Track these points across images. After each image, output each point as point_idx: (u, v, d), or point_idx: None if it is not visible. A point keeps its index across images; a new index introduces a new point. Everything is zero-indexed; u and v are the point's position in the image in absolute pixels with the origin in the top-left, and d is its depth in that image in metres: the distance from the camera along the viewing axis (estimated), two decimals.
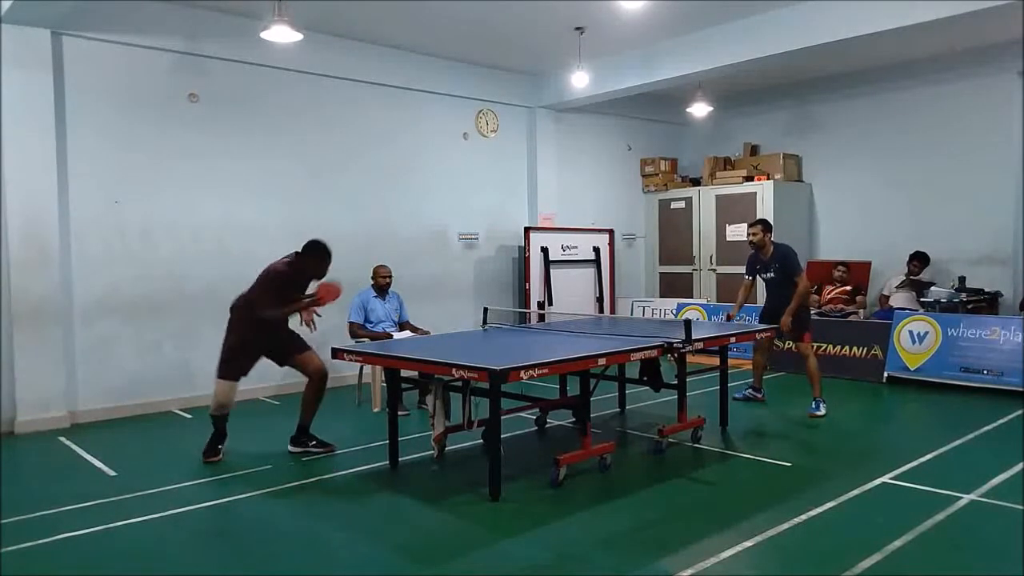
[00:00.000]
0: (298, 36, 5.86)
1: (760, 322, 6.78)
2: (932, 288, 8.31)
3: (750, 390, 6.98)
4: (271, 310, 5.11)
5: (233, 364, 5.19)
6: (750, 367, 7.83)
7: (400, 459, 5.05)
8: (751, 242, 6.64)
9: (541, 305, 9.24)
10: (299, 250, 5.31)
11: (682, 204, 10.82)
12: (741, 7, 7.27)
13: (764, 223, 6.68)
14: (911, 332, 7.63)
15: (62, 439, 5.92)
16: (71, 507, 4.28)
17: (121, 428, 6.35)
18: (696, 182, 10.96)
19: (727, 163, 10.76)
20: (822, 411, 6.30)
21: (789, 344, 7.92)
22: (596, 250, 10.01)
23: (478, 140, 9.38)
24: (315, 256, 5.29)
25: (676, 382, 5.55)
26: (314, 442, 5.40)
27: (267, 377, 7.48)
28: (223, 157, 7.28)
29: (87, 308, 6.56)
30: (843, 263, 9.20)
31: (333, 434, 5.91)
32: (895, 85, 9.55)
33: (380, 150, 8.41)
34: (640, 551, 3.57)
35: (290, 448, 5.39)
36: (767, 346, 6.95)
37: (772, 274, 6.61)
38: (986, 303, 8.43)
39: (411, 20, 7.40)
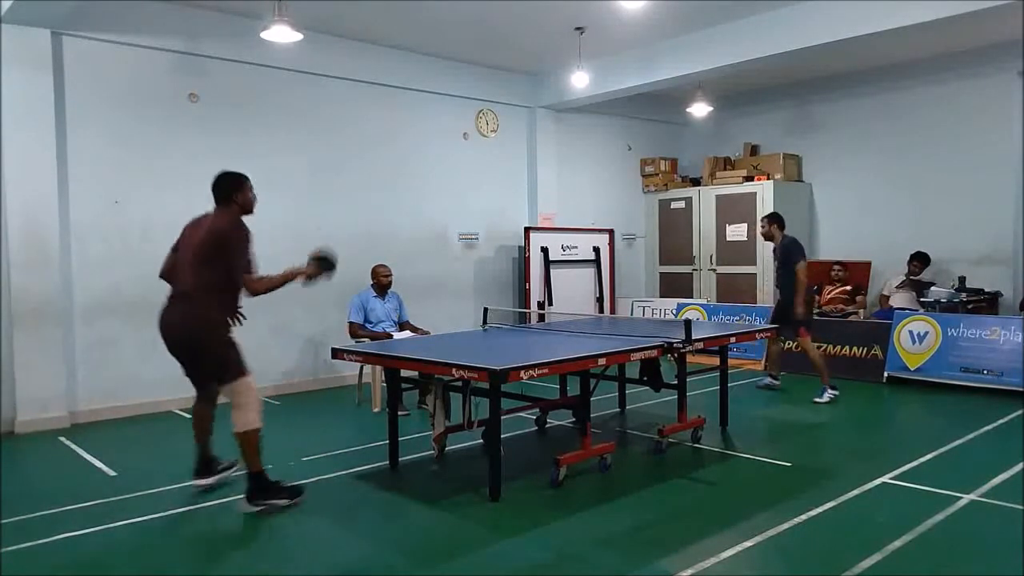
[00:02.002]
0: (298, 36, 5.87)
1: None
2: (932, 288, 8.31)
3: (768, 379, 7.35)
4: (263, 283, 4.21)
5: (242, 358, 4.24)
6: (750, 367, 7.95)
7: (400, 459, 5.05)
8: (762, 235, 7.23)
9: (541, 305, 9.24)
10: (217, 202, 4.30)
11: (682, 204, 10.82)
12: (741, 7, 7.27)
13: (771, 216, 7.20)
14: (911, 332, 7.63)
15: (62, 439, 5.92)
16: (71, 507, 4.28)
17: (121, 428, 6.35)
18: (696, 182, 10.96)
19: (727, 163, 10.76)
20: (826, 398, 6.62)
21: (789, 344, 7.95)
22: (596, 250, 10.00)
23: (478, 140, 9.38)
24: (237, 186, 4.33)
25: (676, 382, 5.55)
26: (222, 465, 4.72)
27: (267, 377, 7.51)
28: (223, 157, 7.22)
29: (87, 308, 6.56)
30: (840, 263, 9.21)
31: (333, 434, 5.92)
32: (895, 85, 9.55)
33: (380, 150, 8.41)
34: (640, 551, 3.57)
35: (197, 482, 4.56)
36: (774, 339, 7.29)
37: (777, 264, 7.10)
38: (986, 303, 8.43)
39: (411, 20, 7.40)
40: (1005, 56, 8.47)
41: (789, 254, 6.93)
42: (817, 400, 6.65)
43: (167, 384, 6.93)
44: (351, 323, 6.92)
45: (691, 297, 10.40)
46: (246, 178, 4.38)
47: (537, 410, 5.86)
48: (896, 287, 8.82)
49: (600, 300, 10.01)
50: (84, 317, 6.56)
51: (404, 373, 5.04)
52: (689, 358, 5.55)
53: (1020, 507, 4.03)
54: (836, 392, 6.78)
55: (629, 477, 4.78)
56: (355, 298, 7.03)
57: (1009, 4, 6.04)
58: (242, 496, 4.21)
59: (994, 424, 5.91)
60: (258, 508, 4.16)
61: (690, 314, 9.21)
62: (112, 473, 4.98)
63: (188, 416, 6.63)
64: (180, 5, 6.85)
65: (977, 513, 4.01)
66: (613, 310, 10.10)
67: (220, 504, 4.35)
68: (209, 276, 4.11)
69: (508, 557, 3.56)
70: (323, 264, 4.41)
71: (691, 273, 10.70)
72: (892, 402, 7.04)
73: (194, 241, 4.21)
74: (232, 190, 4.31)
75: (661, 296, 10.85)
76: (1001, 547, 3.57)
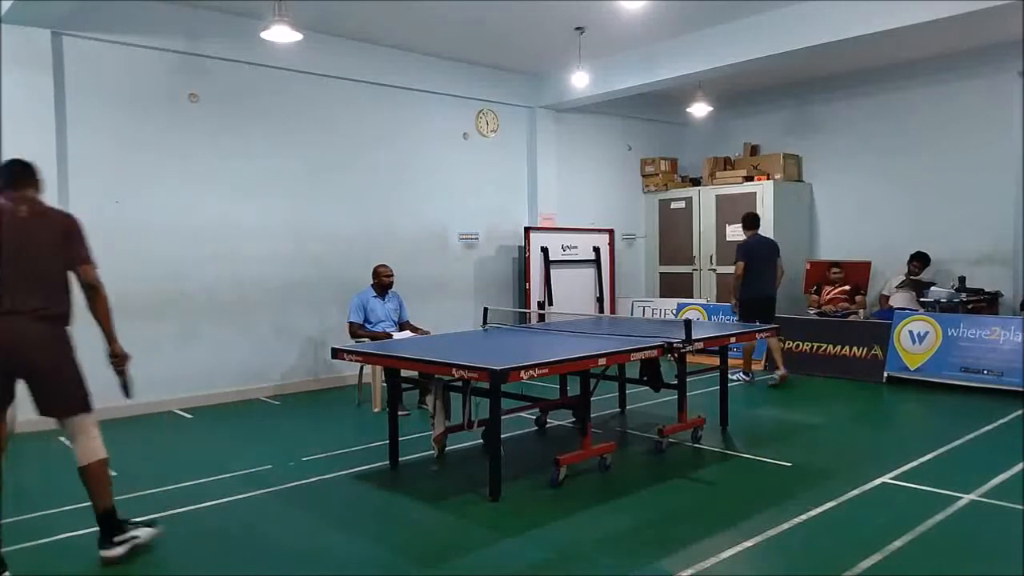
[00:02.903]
0: (298, 36, 5.86)
1: None
2: (932, 288, 8.31)
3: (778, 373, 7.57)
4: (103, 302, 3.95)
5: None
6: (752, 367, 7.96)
7: (400, 459, 5.05)
8: None
9: (541, 305, 9.23)
10: (30, 187, 3.72)
11: (682, 204, 10.82)
12: (741, 7, 7.27)
13: (743, 218, 7.96)
14: (911, 332, 7.63)
15: (62, 439, 5.87)
16: (71, 507, 4.28)
17: (121, 428, 6.34)
18: (696, 182, 10.96)
19: (727, 163, 10.76)
20: (737, 377, 7.52)
21: (787, 345, 8.03)
22: (596, 250, 10.00)
23: (478, 140, 9.38)
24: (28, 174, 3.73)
25: (676, 382, 5.55)
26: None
27: (267, 377, 7.52)
28: (223, 157, 7.28)
29: (87, 308, 6.54)
30: (836, 264, 9.20)
31: (333, 434, 5.92)
32: (895, 85, 9.55)
33: (380, 150, 8.41)
34: (640, 551, 3.57)
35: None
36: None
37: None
38: (986, 303, 8.43)
39: (411, 20, 7.40)
40: (1005, 56, 8.47)
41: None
42: (733, 376, 7.21)
43: (167, 384, 6.97)
44: (351, 323, 6.92)
45: (691, 297, 10.40)
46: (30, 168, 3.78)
47: (537, 410, 5.86)
48: (896, 287, 8.82)
49: (600, 300, 10.01)
50: (84, 317, 6.53)
51: (404, 373, 5.04)
52: (689, 358, 5.55)
53: (1020, 507, 4.03)
54: (748, 379, 7.69)
55: (629, 477, 4.77)
56: (355, 298, 7.03)
57: (1009, 4, 6.04)
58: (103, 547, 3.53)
59: (994, 424, 5.91)
60: (124, 549, 3.51)
61: (690, 314, 9.21)
62: (112, 473, 4.95)
63: (188, 416, 6.68)
64: (180, 5, 6.85)
65: (977, 513, 4.01)
66: (613, 310, 10.10)
67: (220, 504, 4.35)
68: (66, 281, 3.62)
69: (508, 557, 3.56)
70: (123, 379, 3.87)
71: (691, 273, 10.70)
72: (892, 402, 7.04)
73: (42, 238, 3.56)
74: (35, 175, 3.71)
75: (661, 296, 10.85)
76: (1001, 547, 3.57)
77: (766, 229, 9.80)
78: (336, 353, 4.97)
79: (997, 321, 7.30)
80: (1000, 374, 6.99)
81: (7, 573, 3.44)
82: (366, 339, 6.66)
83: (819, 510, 4.03)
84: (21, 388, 6.07)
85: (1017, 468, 4.69)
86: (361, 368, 7.03)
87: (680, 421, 5.53)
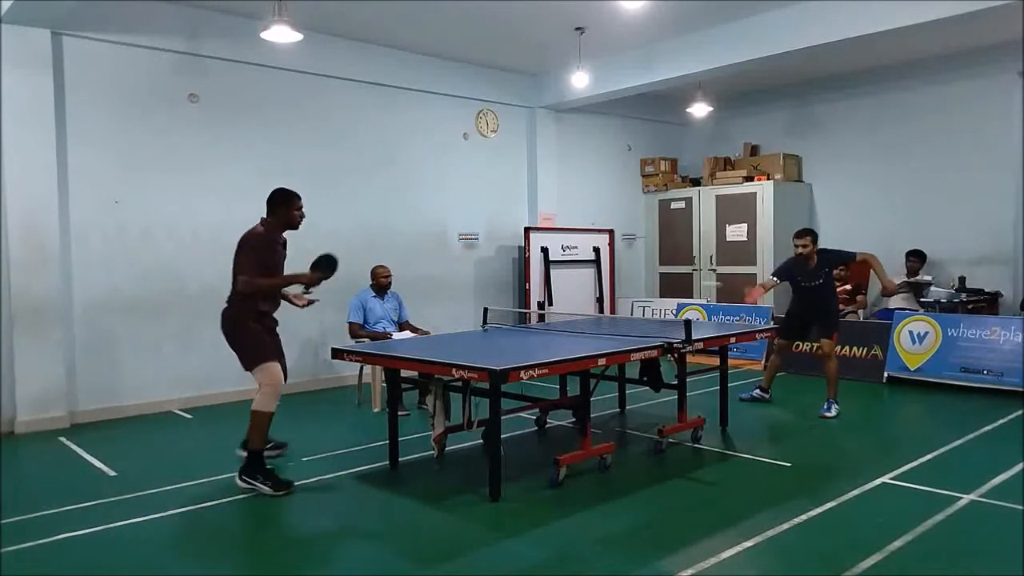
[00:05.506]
0: (298, 36, 5.87)
1: (784, 327, 6.73)
2: (932, 288, 8.31)
3: (758, 390, 6.95)
4: (259, 280, 4.73)
5: (264, 348, 4.82)
6: (750, 367, 7.83)
7: (400, 459, 5.05)
8: (800, 254, 6.39)
9: (541, 305, 9.24)
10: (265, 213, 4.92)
11: (682, 204, 10.82)
12: (741, 7, 7.27)
13: (813, 234, 6.43)
14: (911, 332, 7.63)
15: (62, 439, 5.91)
16: (71, 507, 4.27)
17: (121, 428, 6.35)
18: (696, 182, 10.96)
19: (727, 163, 10.76)
20: (833, 412, 6.28)
21: (797, 345, 7.91)
22: (596, 250, 10.01)
23: (478, 140, 9.38)
24: (282, 202, 4.94)
25: (676, 382, 5.55)
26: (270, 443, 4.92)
27: None
28: (223, 157, 7.28)
29: (87, 308, 6.56)
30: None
31: (333, 434, 5.92)
32: (895, 85, 9.55)
33: (380, 150, 8.41)
34: (640, 551, 3.57)
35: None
36: (787, 349, 6.90)
37: (821, 281, 6.41)
38: (986, 303, 8.43)
39: (411, 20, 7.40)
40: (1005, 56, 8.47)
41: (842, 257, 6.53)
42: (826, 414, 6.25)
43: (167, 384, 6.97)
44: (351, 323, 6.92)
45: (691, 297, 10.40)
46: (292, 196, 5.05)
47: (537, 410, 5.86)
48: (897, 285, 8.78)
49: (600, 300, 10.01)
50: (84, 317, 6.56)
51: (404, 373, 5.04)
52: (689, 358, 5.55)
53: (1020, 507, 4.03)
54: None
55: (629, 477, 4.77)
56: (354, 298, 7.03)
57: (1009, 4, 6.04)
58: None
59: (994, 424, 5.91)
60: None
61: (690, 314, 9.21)
62: (112, 473, 4.98)
63: (188, 416, 6.69)
64: (180, 5, 6.85)
65: (977, 513, 4.01)
66: (613, 310, 10.10)
67: (221, 504, 4.35)
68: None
69: (508, 557, 3.56)
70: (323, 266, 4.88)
71: (691, 273, 10.70)
72: (892, 402, 7.04)
73: None
74: (270, 202, 4.88)
75: (661, 296, 10.85)
76: (1001, 547, 3.57)
77: (766, 229, 9.84)
78: (336, 353, 4.98)
79: (997, 321, 7.30)
80: (1000, 374, 6.99)
81: None
82: (366, 339, 6.66)
83: (819, 510, 4.03)
84: (22, 388, 6.04)
85: (1017, 468, 4.69)
86: (361, 368, 7.03)
87: (680, 421, 5.53)
